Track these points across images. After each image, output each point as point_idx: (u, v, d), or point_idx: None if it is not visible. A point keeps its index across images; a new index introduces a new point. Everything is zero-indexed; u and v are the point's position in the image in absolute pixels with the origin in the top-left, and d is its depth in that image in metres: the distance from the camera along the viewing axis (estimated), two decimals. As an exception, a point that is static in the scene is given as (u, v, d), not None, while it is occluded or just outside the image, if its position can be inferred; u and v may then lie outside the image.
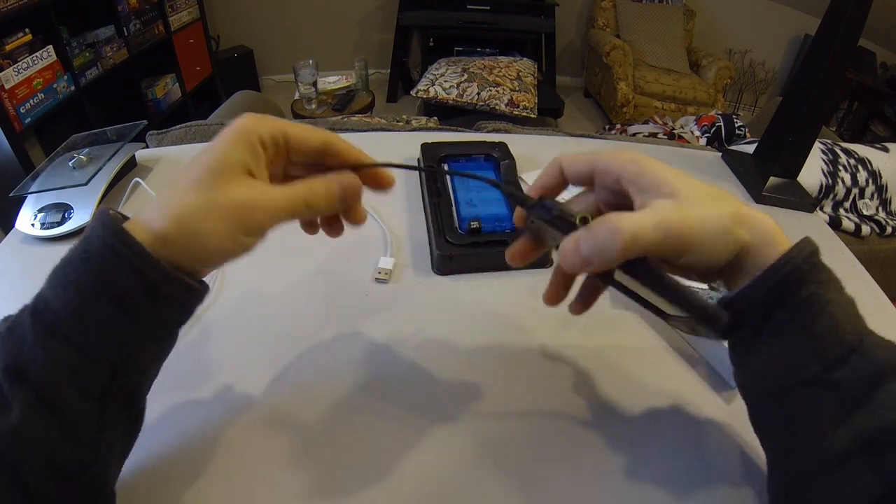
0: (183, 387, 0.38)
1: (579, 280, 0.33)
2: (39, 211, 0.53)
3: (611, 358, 0.43)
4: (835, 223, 1.12)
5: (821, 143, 1.17)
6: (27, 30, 1.72)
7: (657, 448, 0.37)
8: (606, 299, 0.48)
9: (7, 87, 1.63)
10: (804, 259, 0.26)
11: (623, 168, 0.29)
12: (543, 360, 0.43)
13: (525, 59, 2.75)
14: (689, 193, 0.27)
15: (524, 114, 2.40)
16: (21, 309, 0.26)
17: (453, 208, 0.54)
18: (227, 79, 3.00)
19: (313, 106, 2.29)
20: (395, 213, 0.57)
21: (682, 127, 2.09)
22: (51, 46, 1.81)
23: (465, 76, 2.41)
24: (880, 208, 1.18)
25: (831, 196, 1.13)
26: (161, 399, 0.36)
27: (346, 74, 2.51)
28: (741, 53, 3.32)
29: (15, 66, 1.66)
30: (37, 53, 1.75)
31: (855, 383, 0.26)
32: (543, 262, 0.52)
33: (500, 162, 0.62)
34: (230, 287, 0.47)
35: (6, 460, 0.23)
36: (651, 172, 0.28)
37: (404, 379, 0.40)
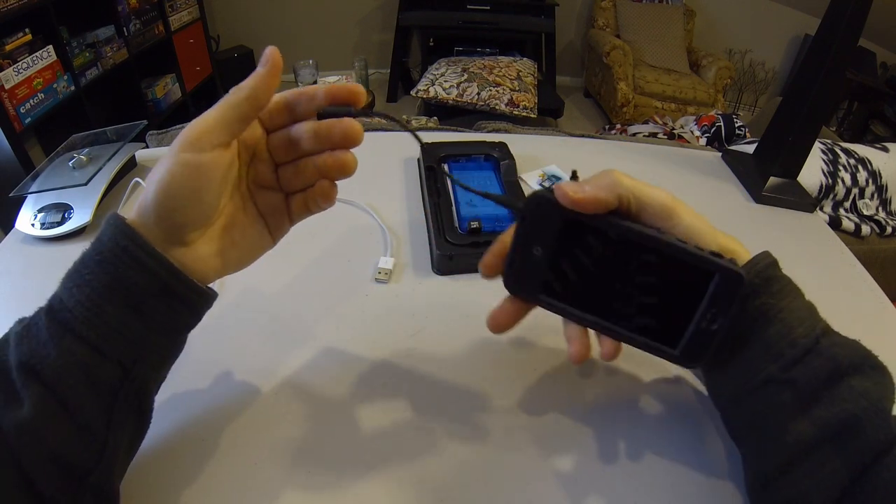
0: (183, 386, 0.38)
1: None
2: (39, 211, 0.53)
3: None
4: (835, 223, 1.12)
5: (821, 143, 1.17)
6: (27, 30, 1.72)
7: (657, 448, 0.37)
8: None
9: (7, 87, 1.63)
10: (756, 274, 0.28)
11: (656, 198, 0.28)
12: (543, 359, 0.43)
13: (525, 59, 2.75)
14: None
15: (524, 114, 2.40)
16: (37, 310, 0.27)
17: (453, 208, 0.54)
18: (227, 79, 3.01)
19: (313, 106, 2.29)
20: (395, 213, 0.57)
21: (682, 127, 2.09)
22: (51, 46, 1.81)
23: (465, 76, 2.41)
24: (880, 208, 1.18)
25: (831, 196, 1.14)
26: (161, 398, 0.36)
27: (346, 74, 2.51)
28: (741, 53, 3.32)
29: (15, 66, 1.66)
30: (37, 53, 1.75)
31: (812, 380, 0.27)
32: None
33: (500, 162, 0.62)
34: (230, 287, 0.47)
35: (13, 455, 0.23)
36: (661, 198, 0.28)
37: (404, 379, 0.41)
